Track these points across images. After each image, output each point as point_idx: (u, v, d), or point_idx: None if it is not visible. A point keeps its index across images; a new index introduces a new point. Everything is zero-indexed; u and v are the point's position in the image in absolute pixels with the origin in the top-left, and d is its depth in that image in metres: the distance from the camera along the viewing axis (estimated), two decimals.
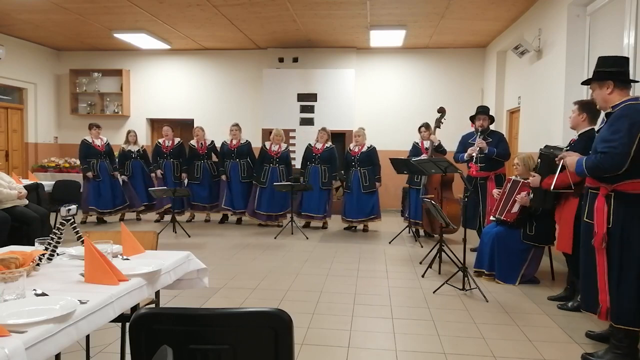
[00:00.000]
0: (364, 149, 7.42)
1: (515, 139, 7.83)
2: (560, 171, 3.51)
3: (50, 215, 6.16)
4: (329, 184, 7.61)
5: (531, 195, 4.41)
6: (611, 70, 2.94)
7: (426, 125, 6.96)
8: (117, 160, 8.21)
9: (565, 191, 3.86)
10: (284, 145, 7.89)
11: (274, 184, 7.40)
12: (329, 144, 7.72)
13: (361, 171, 7.37)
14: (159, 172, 8.06)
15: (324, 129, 7.76)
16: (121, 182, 8.13)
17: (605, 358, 2.95)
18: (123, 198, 8.09)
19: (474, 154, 5.81)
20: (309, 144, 7.80)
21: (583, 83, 3.22)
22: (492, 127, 6.13)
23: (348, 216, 7.51)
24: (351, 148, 7.58)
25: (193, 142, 8.19)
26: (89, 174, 7.80)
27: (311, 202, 7.57)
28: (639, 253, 2.79)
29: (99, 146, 7.93)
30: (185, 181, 8.17)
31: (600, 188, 2.93)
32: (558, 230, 4.07)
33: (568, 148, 3.76)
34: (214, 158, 8.19)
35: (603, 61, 3.04)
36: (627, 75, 2.96)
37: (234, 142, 8.00)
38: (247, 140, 8.07)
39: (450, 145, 7.21)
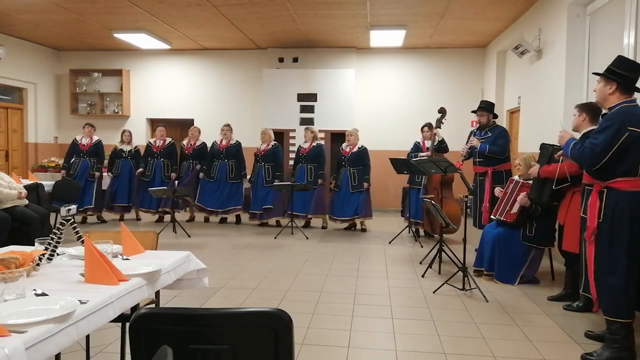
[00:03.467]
0: (355, 149, 7.44)
1: (515, 139, 7.82)
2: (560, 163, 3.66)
3: (50, 215, 6.16)
4: (315, 183, 7.60)
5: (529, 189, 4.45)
6: (621, 72, 2.97)
7: (429, 125, 6.94)
8: (108, 158, 8.18)
9: (564, 185, 3.93)
10: (272, 144, 7.92)
11: (274, 183, 7.42)
12: (316, 142, 7.74)
13: (351, 171, 7.39)
14: (138, 172, 8.03)
15: (307, 128, 7.82)
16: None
17: (603, 355, 2.98)
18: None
19: (463, 152, 5.93)
20: (299, 145, 7.87)
21: (594, 73, 3.25)
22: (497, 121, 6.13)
23: (334, 214, 7.52)
24: (343, 147, 7.60)
25: (184, 141, 8.24)
26: (63, 173, 7.82)
27: (296, 200, 7.55)
28: (626, 247, 2.91)
29: (83, 145, 7.92)
30: (176, 182, 8.12)
31: (594, 184, 3.07)
32: (564, 230, 4.09)
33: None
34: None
35: (620, 61, 3.05)
36: (631, 83, 2.98)
37: (224, 142, 8.00)
38: (237, 141, 8.07)
39: (450, 146, 7.21)
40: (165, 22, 8.12)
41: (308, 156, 7.65)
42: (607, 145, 2.88)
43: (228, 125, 8.10)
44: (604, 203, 2.99)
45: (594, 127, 3.85)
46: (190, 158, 8.12)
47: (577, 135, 4.01)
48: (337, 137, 9.32)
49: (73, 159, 7.90)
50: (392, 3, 6.99)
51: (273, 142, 7.96)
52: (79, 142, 7.97)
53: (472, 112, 6.21)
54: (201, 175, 8.03)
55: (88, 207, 7.85)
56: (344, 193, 7.42)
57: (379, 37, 8.85)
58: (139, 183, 8.05)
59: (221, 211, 7.98)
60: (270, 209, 7.73)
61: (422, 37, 9.00)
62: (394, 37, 8.85)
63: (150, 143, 8.28)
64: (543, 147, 4.22)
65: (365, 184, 7.39)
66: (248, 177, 8.07)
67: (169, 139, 8.28)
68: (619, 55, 3.15)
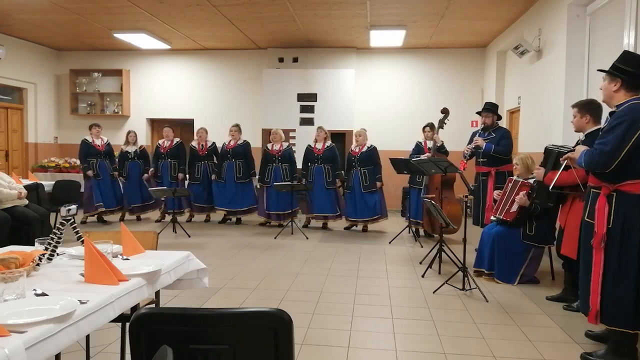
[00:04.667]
0: (364, 149, 7.43)
1: (515, 139, 7.82)
2: (563, 169, 3.49)
3: (50, 215, 6.16)
4: (334, 183, 7.61)
5: (534, 194, 4.42)
6: (626, 68, 2.85)
7: (431, 126, 6.94)
8: (116, 161, 8.22)
9: (571, 193, 3.86)
10: (285, 144, 7.91)
11: (274, 184, 7.41)
12: (329, 142, 7.73)
13: (362, 171, 7.37)
14: (150, 172, 8.07)
15: (321, 128, 7.77)
16: (121, 183, 8.17)
17: (604, 358, 2.94)
18: (124, 198, 8.16)
19: (467, 152, 5.97)
20: (309, 145, 7.80)
21: (599, 70, 3.13)
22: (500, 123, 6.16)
23: (351, 216, 7.52)
24: (352, 148, 7.60)
25: (194, 143, 8.20)
26: (89, 173, 7.81)
27: (321, 202, 7.55)
28: (637, 254, 2.76)
29: (98, 146, 7.94)
30: (186, 182, 8.16)
31: (602, 187, 2.90)
32: (564, 235, 3.99)
33: (574, 149, 3.71)
34: (216, 159, 8.20)
35: (625, 56, 2.94)
36: (637, 79, 2.85)
37: (232, 142, 8.01)
38: (244, 141, 8.06)
39: (450, 145, 7.21)
40: (165, 22, 8.12)
41: (324, 157, 7.59)
42: (618, 145, 2.71)
43: (236, 125, 8.09)
44: (613, 207, 2.82)
45: (598, 126, 3.66)
46: (205, 159, 8.12)
47: (580, 135, 3.96)
48: (337, 137, 9.32)
49: (91, 161, 7.89)
50: (392, 3, 6.99)
51: (286, 143, 7.96)
52: (93, 143, 7.94)
53: (477, 113, 6.25)
54: (213, 177, 8.04)
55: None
56: (357, 194, 7.38)
57: (379, 37, 8.85)
58: (154, 184, 8.01)
59: (237, 211, 8.00)
60: (296, 210, 7.69)
61: (422, 37, 9.00)
62: (394, 37, 8.84)
63: (159, 144, 8.27)
64: (547, 151, 4.04)
65: (379, 183, 7.39)
66: (257, 176, 8.07)
67: (177, 139, 8.28)
68: (624, 51, 3.02)
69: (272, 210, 7.78)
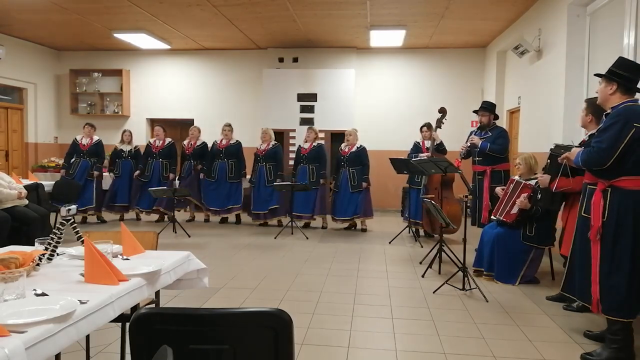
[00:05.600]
0: (354, 149, 7.44)
1: (515, 139, 7.83)
2: (562, 174, 3.58)
3: (50, 215, 6.16)
4: (317, 183, 7.59)
5: (539, 196, 4.42)
6: (621, 73, 2.98)
7: (428, 125, 6.96)
8: (108, 158, 8.20)
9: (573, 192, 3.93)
10: (272, 143, 7.91)
11: (274, 183, 7.42)
12: (317, 142, 7.73)
13: (350, 171, 7.38)
14: (137, 172, 8.04)
15: (310, 128, 7.82)
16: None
17: (603, 355, 2.99)
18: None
19: (462, 150, 6.02)
20: (299, 145, 7.84)
21: (595, 74, 3.24)
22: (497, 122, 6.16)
23: (335, 215, 7.54)
24: (342, 148, 7.60)
25: (185, 141, 8.25)
26: (62, 172, 7.86)
27: (298, 201, 7.56)
28: (630, 245, 2.90)
29: (83, 145, 7.94)
30: (176, 183, 8.12)
31: (597, 183, 3.05)
32: (564, 235, 4.07)
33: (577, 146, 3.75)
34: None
35: (620, 62, 3.07)
36: (632, 83, 2.99)
37: (224, 142, 8.01)
38: (237, 141, 8.05)
39: (450, 145, 7.21)
40: (165, 22, 8.12)
41: (309, 156, 7.62)
42: (613, 142, 2.85)
43: (229, 124, 8.10)
44: (608, 202, 2.96)
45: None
46: (190, 158, 8.11)
47: (574, 134, 3.99)
48: (337, 137, 9.32)
49: (73, 159, 7.91)
50: (392, 3, 6.99)
51: (273, 142, 7.96)
52: (79, 142, 7.99)
53: (474, 112, 6.24)
54: (202, 175, 8.03)
55: (89, 207, 7.85)
56: (343, 193, 7.41)
57: (379, 37, 8.85)
58: (137, 183, 8.05)
59: (220, 210, 7.99)
60: (276, 209, 7.72)
61: (422, 37, 9.00)
62: (394, 37, 8.85)
63: (150, 143, 8.28)
64: (552, 156, 4.08)
65: (364, 184, 7.38)
66: (248, 177, 8.06)
67: (169, 139, 8.26)
68: (620, 57, 3.16)
69: (255, 210, 7.79)
